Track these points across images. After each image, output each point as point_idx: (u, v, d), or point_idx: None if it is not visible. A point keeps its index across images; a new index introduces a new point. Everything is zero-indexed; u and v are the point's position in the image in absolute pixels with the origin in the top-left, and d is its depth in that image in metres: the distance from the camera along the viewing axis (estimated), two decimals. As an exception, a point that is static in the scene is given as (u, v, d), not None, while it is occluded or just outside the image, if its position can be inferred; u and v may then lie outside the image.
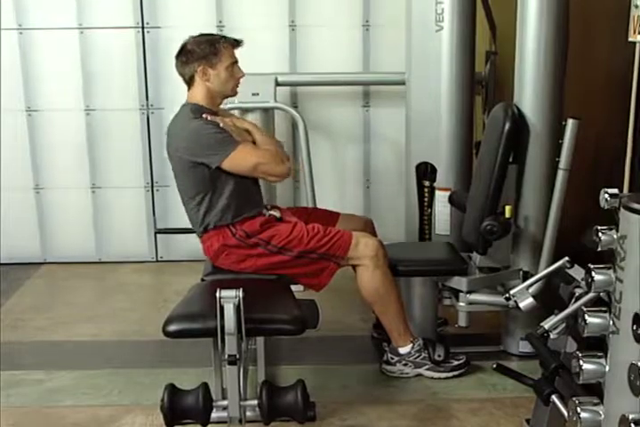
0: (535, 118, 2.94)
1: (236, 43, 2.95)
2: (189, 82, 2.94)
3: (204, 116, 2.84)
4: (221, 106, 3.11)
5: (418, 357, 2.97)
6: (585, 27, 3.54)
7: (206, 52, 2.88)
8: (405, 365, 2.99)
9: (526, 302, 2.74)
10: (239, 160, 2.81)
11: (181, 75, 2.95)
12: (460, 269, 3.01)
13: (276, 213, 3.03)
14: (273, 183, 3.00)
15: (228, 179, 2.86)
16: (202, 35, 2.96)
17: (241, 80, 2.99)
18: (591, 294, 1.85)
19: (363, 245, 2.88)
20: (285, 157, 2.95)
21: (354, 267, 2.92)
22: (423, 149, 3.36)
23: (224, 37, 2.96)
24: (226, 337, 2.33)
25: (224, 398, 2.46)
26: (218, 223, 2.89)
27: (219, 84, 2.92)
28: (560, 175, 2.82)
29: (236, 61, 2.95)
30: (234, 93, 3.01)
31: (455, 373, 2.99)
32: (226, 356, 2.35)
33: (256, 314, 2.43)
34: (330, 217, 3.19)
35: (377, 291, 2.90)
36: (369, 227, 3.25)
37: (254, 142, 2.93)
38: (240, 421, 2.42)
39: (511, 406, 2.76)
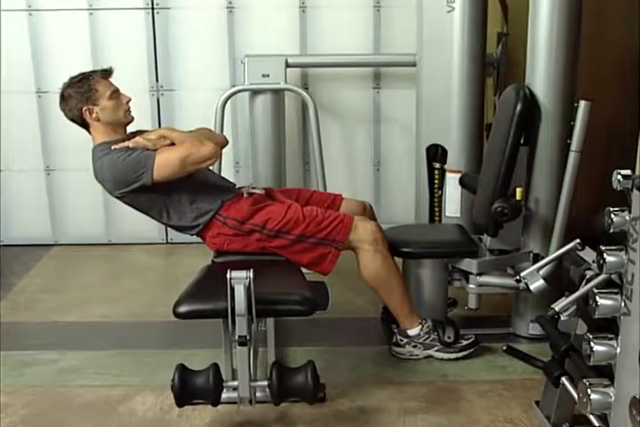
0: (547, 100, 2.91)
1: (106, 73, 2.98)
2: (84, 125, 2.98)
3: (112, 148, 2.86)
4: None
5: (427, 338, 2.98)
6: (598, 7, 3.50)
7: (82, 92, 2.91)
8: (415, 346, 2.99)
9: (537, 284, 2.75)
10: (164, 165, 2.80)
11: (73, 121, 2.99)
12: (471, 252, 3.01)
13: (260, 191, 3.03)
14: (206, 165, 2.89)
15: (175, 184, 2.86)
16: (72, 78, 2.97)
17: (130, 104, 2.99)
18: (602, 276, 1.85)
19: (361, 228, 2.88)
20: (210, 138, 2.92)
21: (354, 251, 2.91)
22: (434, 131, 3.34)
23: (93, 72, 2.97)
24: (236, 318, 2.35)
25: (234, 378, 2.47)
26: (202, 222, 2.91)
27: (109, 116, 2.93)
28: (572, 157, 2.81)
29: (115, 90, 2.96)
30: (129, 119, 3.01)
31: (465, 353, 2.99)
32: (236, 337, 2.36)
33: (266, 295, 2.43)
34: (332, 201, 3.19)
35: (378, 275, 2.90)
36: (367, 211, 3.25)
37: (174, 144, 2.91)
38: (250, 401, 2.45)
39: (521, 388, 2.76)
